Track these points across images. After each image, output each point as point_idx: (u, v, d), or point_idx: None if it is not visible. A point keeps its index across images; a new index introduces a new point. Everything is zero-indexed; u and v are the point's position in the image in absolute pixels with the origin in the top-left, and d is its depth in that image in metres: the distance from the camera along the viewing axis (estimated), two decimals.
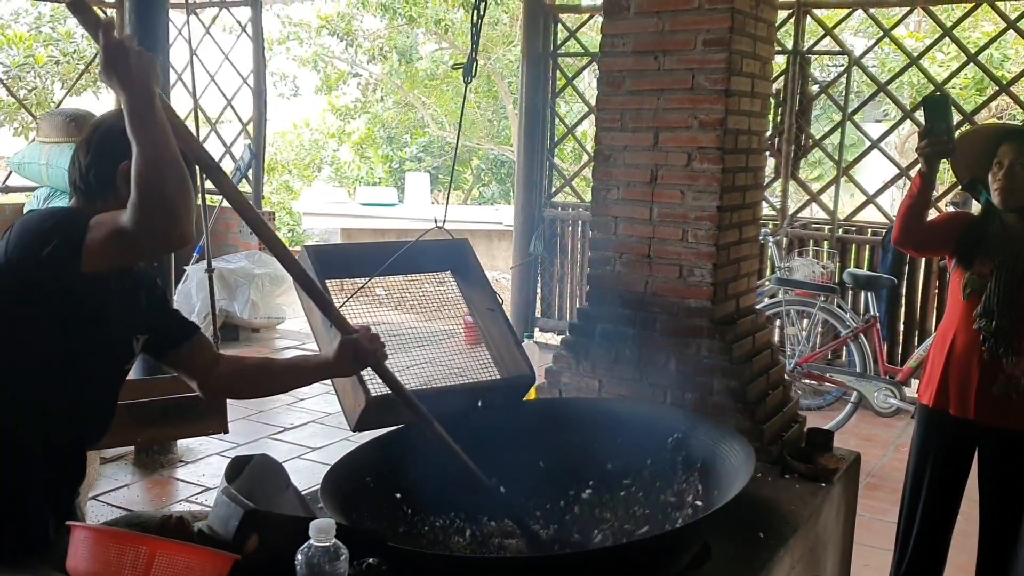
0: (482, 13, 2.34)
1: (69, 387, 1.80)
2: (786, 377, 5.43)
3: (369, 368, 2.15)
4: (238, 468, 1.97)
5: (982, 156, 2.94)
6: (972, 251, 2.97)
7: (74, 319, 1.76)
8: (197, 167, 1.85)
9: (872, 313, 5.56)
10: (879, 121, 11.11)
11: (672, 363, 2.74)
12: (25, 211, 7.48)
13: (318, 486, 2.08)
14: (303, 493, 2.14)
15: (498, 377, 2.69)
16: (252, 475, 1.98)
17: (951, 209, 5.71)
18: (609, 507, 2.27)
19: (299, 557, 1.35)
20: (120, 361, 1.92)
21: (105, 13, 8.47)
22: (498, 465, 2.35)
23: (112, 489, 4.29)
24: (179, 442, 4.74)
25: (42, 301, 1.71)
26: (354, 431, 2.41)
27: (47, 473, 1.81)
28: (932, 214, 3.14)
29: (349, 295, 2.62)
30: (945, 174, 6.21)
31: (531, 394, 2.87)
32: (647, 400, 2.72)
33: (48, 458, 1.80)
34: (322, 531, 1.35)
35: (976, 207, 3.15)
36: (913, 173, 3.05)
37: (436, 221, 2.60)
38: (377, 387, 2.43)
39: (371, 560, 1.93)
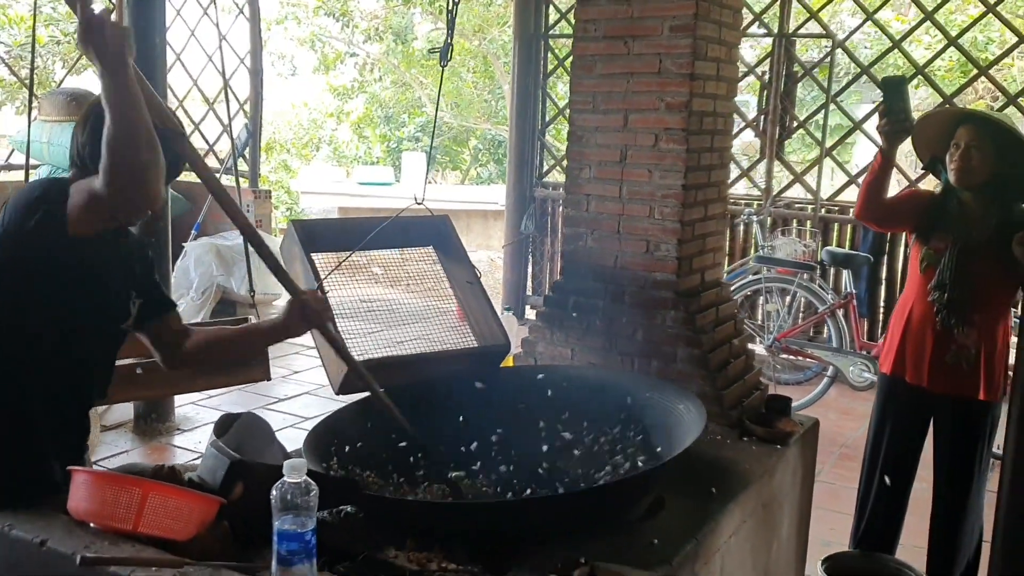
0: (457, 1, 2.47)
1: (70, 345, 1.96)
2: (765, 351, 5.62)
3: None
4: (226, 424, 2.13)
5: (941, 137, 3.09)
6: (930, 227, 3.13)
7: (71, 280, 1.91)
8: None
9: (849, 290, 5.72)
10: (874, 103, 11.22)
11: (639, 333, 2.90)
12: (18, 190, 7.61)
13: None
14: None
15: (476, 345, 2.86)
16: (240, 431, 2.15)
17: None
18: (574, 461, 2.44)
19: (274, 492, 1.51)
20: (117, 321, 2.07)
21: None
22: (474, 424, 2.53)
23: (112, 455, 4.47)
24: (176, 410, 4.93)
25: (40, 265, 1.88)
26: (337, 394, 2.57)
27: (53, 425, 1.98)
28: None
29: (332, 268, 2.77)
30: None
31: (508, 361, 3.03)
32: (615, 367, 2.88)
33: (53, 411, 1.97)
34: (294, 469, 1.51)
35: None
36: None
37: (416, 197, 2.75)
38: (359, 353, 2.60)
39: (348, 508, 2.10)
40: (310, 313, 2.15)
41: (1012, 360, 2.66)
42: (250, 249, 5.22)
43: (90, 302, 1.97)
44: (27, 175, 4.63)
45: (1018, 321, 4.42)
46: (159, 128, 1.81)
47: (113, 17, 1.81)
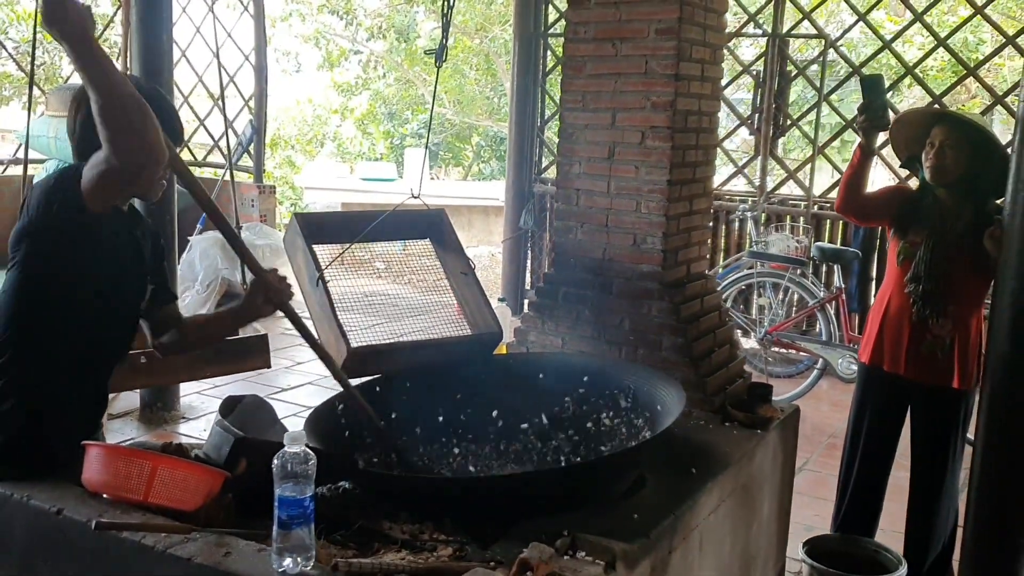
0: (452, 4, 2.60)
1: (89, 327, 2.09)
2: (757, 344, 5.74)
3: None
4: (231, 405, 2.26)
5: (917, 137, 3.21)
6: (907, 222, 3.25)
7: (90, 261, 2.04)
8: None
9: (839, 285, 5.84)
10: None
11: (626, 322, 3.02)
12: (35, 182, 7.75)
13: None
14: None
15: (469, 333, 2.98)
16: (244, 411, 2.27)
17: None
18: (563, 441, 2.56)
19: (275, 462, 1.64)
20: (134, 301, 2.20)
21: None
22: (469, 406, 2.66)
23: (118, 442, 4.60)
24: (181, 399, 5.07)
25: (62, 249, 2.00)
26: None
27: (74, 403, 2.11)
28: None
29: (332, 259, 2.89)
30: None
31: (501, 349, 3.15)
32: (603, 355, 3.01)
33: (74, 389, 2.10)
34: (294, 440, 1.64)
35: None
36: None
37: (412, 191, 2.87)
38: (359, 340, 2.73)
39: (345, 484, 2.23)
40: (272, 293, 2.25)
41: None
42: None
43: (109, 282, 2.10)
44: (25, 169, 4.73)
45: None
46: (143, 88, 1.92)
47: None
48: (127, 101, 1.78)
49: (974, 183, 3.10)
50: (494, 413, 2.63)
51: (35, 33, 4.76)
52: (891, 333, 3.25)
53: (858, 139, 3.28)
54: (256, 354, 4.03)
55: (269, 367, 4.09)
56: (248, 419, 2.25)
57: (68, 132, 2.09)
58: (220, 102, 5.36)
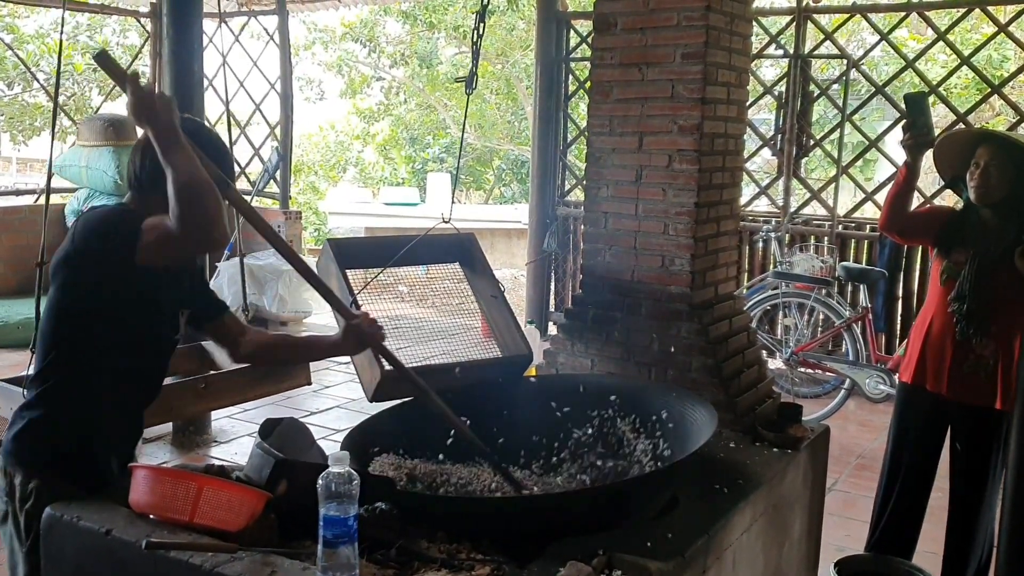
0: (481, 33, 2.66)
1: (128, 356, 2.15)
2: (783, 364, 5.74)
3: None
4: (270, 428, 2.31)
5: (961, 156, 3.21)
6: (951, 241, 3.25)
7: (132, 300, 2.10)
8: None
9: (865, 305, 5.84)
10: (893, 120, 11.29)
11: (655, 344, 3.05)
12: (66, 211, 7.90)
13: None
14: None
15: (499, 355, 3.02)
16: (282, 434, 2.32)
17: None
18: (593, 462, 2.59)
19: (320, 482, 1.68)
20: (170, 332, 2.26)
21: (139, 22, 8.89)
22: (500, 428, 2.69)
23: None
24: (212, 423, 5.13)
25: (106, 287, 2.06)
26: (371, 401, 2.73)
27: (113, 425, 2.17)
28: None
29: (363, 286, 2.95)
30: None
31: (531, 371, 3.19)
32: (632, 376, 3.03)
33: (113, 412, 2.16)
34: (339, 460, 1.68)
35: None
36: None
37: (443, 216, 2.92)
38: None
39: (382, 505, 2.26)
40: (366, 336, 2.37)
41: None
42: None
43: (146, 320, 2.16)
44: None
45: None
46: (212, 173, 1.99)
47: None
48: (205, 190, 1.85)
49: (1019, 203, 3.10)
50: (527, 433, 2.66)
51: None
52: (934, 353, 3.25)
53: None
54: (298, 374, 4.15)
55: (310, 383, 4.20)
56: (287, 441, 2.29)
57: (130, 166, 2.14)
58: (227, 117, 5.43)
